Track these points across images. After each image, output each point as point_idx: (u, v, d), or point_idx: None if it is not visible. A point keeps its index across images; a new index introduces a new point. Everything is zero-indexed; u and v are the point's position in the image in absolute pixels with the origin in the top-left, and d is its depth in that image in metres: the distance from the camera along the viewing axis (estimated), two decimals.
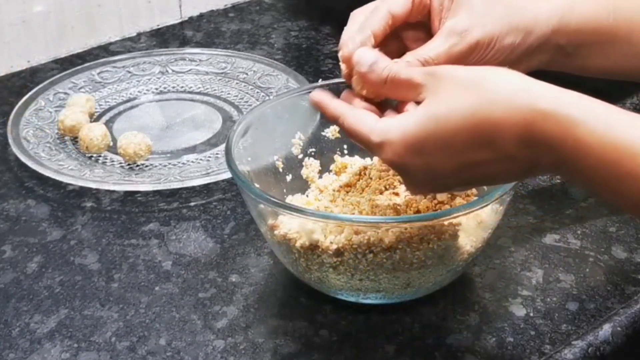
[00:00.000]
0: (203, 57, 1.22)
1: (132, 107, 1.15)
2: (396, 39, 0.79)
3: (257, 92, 1.16)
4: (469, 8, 0.75)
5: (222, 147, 1.04)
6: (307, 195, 0.88)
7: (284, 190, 0.89)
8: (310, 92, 0.93)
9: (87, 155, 1.04)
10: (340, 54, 0.77)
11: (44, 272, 0.88)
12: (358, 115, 0.72)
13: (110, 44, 1.31)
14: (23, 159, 1.01)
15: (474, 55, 0.75)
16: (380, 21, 0.76)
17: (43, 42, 1.27)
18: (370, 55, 0.72)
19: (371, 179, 0.87)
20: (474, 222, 0.79)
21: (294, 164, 0.90)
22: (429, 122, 0.67)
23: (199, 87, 1.19)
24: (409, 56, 0.74)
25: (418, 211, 0.82)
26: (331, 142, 0.92)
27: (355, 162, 0.89)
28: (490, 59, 0.76)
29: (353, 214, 0.82)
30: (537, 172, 0.69)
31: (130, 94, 1.17)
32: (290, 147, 0.91)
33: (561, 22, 0.78)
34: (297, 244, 0.79)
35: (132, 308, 0.84)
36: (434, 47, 0.74)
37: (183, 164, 1.04)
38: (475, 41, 0.74)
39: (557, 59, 0.81)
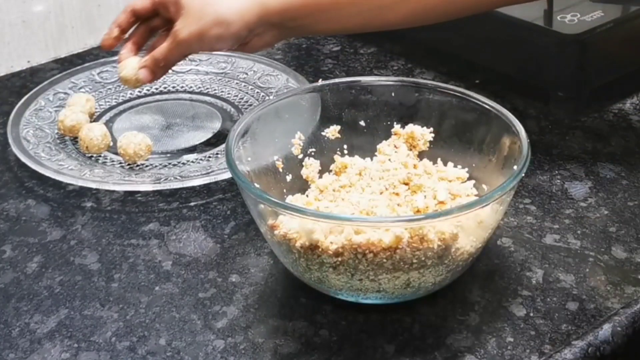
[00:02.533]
0: (203, 57, 1.22)
1: (132, 107, 1.15)
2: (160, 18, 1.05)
3: (257, 92, 1.16)
4: (184, 13, 0.99)
5: (222, 147, 1.04)
6: (307, 195, 0.88)
7: (284, 190, 0.89)
8: (310, 92, 0.94)
9: (87, 155, 1.04)
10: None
11: (44, 272, 0.88)
12: None
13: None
14: (23, 159, 1.01)
15: (191, 48, 1.00)
16: (122, 16, 1.05)
17: (43, 42, 1.27)
18: None
19: (371, 179, 0.87)
20: (474, 222, 0.79)
21: (294, 164, 0.90)
22: None
23: (199, 87, 1.19)
24: (144, 60, 1.02)
25: (418, 211, 0.82)
26: (331, 142, 0.92)
27: (355, 162, 0.89)
28: (209, 46, 1.00)
29: (353, 214, 0.82)
30: None
31: (130, 94, 1.17)
32: (290, 147, 0.91)
33: (264, 7, 0.97)
34: (297, 244, 0.79)
35: (132, 308, 0.84)
36: (160, 47, 1.01)
37: (183, 164, 1.04)
38: (182, 39, 0.99)
39: (285, 32, 1.02)
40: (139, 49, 1.06)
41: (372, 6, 0.97)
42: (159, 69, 1.02)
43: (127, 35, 1.06)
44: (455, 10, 0.98)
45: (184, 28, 0.98)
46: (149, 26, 1.06)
